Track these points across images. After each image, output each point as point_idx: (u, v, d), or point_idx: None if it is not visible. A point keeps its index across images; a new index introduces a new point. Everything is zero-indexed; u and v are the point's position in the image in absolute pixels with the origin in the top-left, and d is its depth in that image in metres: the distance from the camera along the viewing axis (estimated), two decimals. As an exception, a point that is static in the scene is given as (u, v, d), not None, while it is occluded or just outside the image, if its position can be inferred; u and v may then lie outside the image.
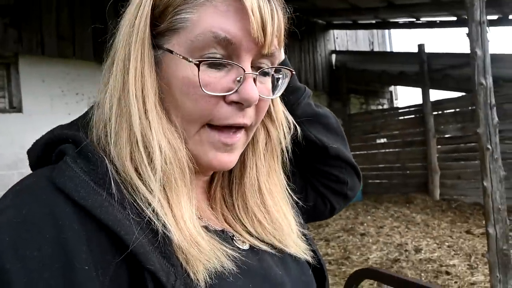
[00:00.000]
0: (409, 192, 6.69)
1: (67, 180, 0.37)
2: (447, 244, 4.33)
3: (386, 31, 9.69)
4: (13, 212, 0.36)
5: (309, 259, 0.56)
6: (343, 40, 8.77)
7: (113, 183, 0.39)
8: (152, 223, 0.39)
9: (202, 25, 0.43)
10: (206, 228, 0.46)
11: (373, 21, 7.56)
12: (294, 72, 0.52)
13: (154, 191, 0.41)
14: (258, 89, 0.46)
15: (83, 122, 0.46)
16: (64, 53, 4.17)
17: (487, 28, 2.77)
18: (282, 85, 0.52)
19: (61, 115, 4.09)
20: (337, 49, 8.48)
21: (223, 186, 0.56)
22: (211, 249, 0.42)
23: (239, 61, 0.44)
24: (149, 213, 0.39)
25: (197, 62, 0.43)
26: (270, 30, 0.44)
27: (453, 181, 6.34)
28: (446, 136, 6.48)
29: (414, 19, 6.87)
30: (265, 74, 0.49)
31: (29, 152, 0.47)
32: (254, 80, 0.45)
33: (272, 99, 0.54)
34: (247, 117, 0.47)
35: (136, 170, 0.42)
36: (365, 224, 5.20)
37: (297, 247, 0.54)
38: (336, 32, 8.44)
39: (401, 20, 7.17)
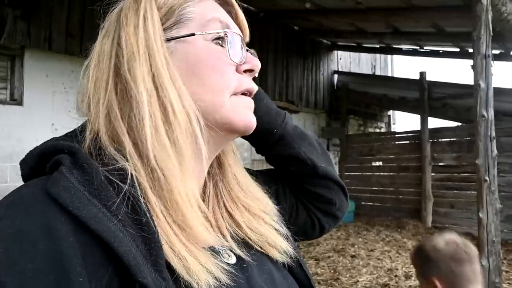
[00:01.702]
0: (402, 217, 6.68)
1: (62, 190, 0.37)
2: (437, 272, 4.31)
3: (389, 56, 9.85)
4: (6, 223, 0.35)
5: (287, 260, 0.56)
6: (346, 61, 8.90)
7: (108, 194, 0.39)
8: (146, 234, 0.39)
9: (207, 14, 0.51)
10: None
11: (377, 46, 7.69)
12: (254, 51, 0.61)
13: (148, 191, 0.42)
14: None
15: (81, 133, 0.46)
16: (71, 50, 4.17)
17: (491, 61, 2.83)
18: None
19: (61, 112, 4.07)
20: (340, 69, 8.59)
21: (216, 181, 0.57)
22: (206, 262, 0.42)
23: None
24: (144, 221, 0.39)
25: (227, 31, 0.51)
26: (246, 22, 0.58)
27: (446, 210, 6.36)
28: (441, 164, 6.53)
29: (417, 47, 7.00)
30: None
31: (22, 163, 0.46)
32: None
33: None
34: (254, 84, 0.55)
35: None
36: (356, 246, 5.17)
37: (278, 243, 0.56)
38: (340, 53, 8.57)
39: (405, 47, 7.30)
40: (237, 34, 0.53)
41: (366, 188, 7.53)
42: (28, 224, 0.35)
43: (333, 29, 6.84)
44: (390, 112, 9.64)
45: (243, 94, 0.53)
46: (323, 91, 8.16)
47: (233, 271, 0.46)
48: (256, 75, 0.56)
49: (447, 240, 1.25)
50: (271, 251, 0.55)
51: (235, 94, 0.51)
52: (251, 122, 0.52)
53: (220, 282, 0.42)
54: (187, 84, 0.48)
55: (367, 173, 7.60)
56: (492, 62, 2.83)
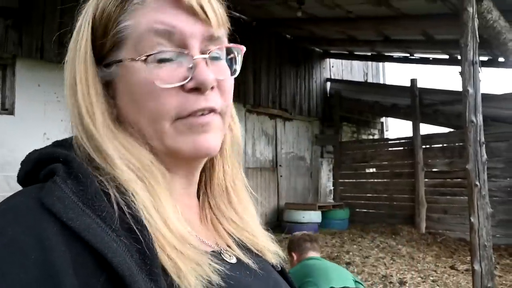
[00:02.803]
0: (396, 223, 6.70)
1: (56, 200, 0.37)
2: (431, 278, 4.31)
3: (380, 63, 9.97)
4: None
5: (280, 261, 0.58)
6: (338, 69, 8.99)
7: (102, 204, 0.39)
8: (140, 242, 0.38)
9: (142, 25, 0.45)
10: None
11: (369, 53, 7.78)
12: (244, 48, 0.51)
13: (139, 195, 0.42)
14: (214, 71, 0.47)
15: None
16: (63, 60, 4.17)
17: (479, 68, 2.87)
18: (238, 64, 0.52)
19: (53, 121, 4.05)
20: (332, 77, 8.67)
21: (205, 193, 0.57)
22: (198, 262, 0.42)
23: (188, 50, 0.46)
24: (138, 229, 0.39)
25: (144, 58, 0.44)
26: (212, 14, 0.46)
27: (439, 215, 6.39)
28: (434, 170, 6.58)
29: (408, 55, 7.10)
30: (216, 58, 0.49)
31: (22, 163, 0.46)
32: (206, 63, 0.46)
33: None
34: (211, 101, 0.47)
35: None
36: (350, 253, 5.16)
37: (267, 246, 0.56)
38: (332, 60, 8.66)
39: (396, 55, 7.40)
40: (171, 50, 0.45)
41: (360, 195, 7.56)
42: (20, 234, 0.35)
43: (324, 37, 6.92)
44: (383, 119, 9.73)
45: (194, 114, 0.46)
46: (316, 98, 8.22)
47: (228, 272, 0.45)
48: (212, 89, 0.47)
49: (303, 232, 2.48)
50: (266, 254, 0.56)
51: (180, 118, 0.46)
52: (201, 145, 0.47)
53: (212, 284, 0.42)
54: (132, 112, 0.47)
55: (361, 180, 7.63)
56: (479, 68, 2.88)
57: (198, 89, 0.45)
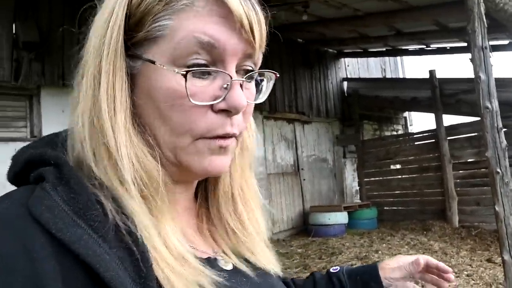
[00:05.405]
0: (427, 219, 6.50)
1: (45, 210, 0.35)
2: (466, 273, 4.16)
3: (398, 58, 9.79)
4: None
5: (279, 272, 0.56)
6: (354, 67, 8.90)
7: (94, 213, 0.36)
8: (135, 254, 0.37)
9: (184, 30, 0.41)
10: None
11: (383, 49, 7.68)
12: (277, 75, 0.50)
13: (137, 211, 0.39)
14: (244, 94, 0.44)
15: (65, 138, 0.44)
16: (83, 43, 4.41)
17: (490, 53, 2.80)
18: (267, 89, 0.50)
19: (79, 143, 4.27)
20: (349, 76, 8.60)
21: (203, 198, 0.55)
22: (195, 275, 0.41)
23: (224, 66, 0.43)
24: (133, 240, 0.37)
25: (184, 73, 0.41)
26: (258, 34, 0.43)
27: (471, 208, 6.15)
28: (462, 161, 6.36)
29: (424, 46, 6.96)
30: (250, 78, 0.47)
31: (12, 160, 0.44)
32: (241, 86, 0.44)
33: None
34: (236, 125, 0.45)
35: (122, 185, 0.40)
36: (380, 252, 5.06)
37: (267, 259, 0.55)
38: (347, 60, 8.59)
39: (412, 47, 7.27)
40: (210, 69, 0.42)
41: (388, 192, 7.40)
42: (7, 245, 0.33)
43: (336, 38, 6.91)
44: (406, 114, 9.52)
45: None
46: (334, 99, 8.17)
47: (225, 282, 0.43)
48: (242, 115, 0.45)
49: None
50: (265, 264, 0.54)
51: (203, 138, 0.44)
52: (215, 167, 0.45)
53: None
54: (150, 115, 0.43)
55: (387, 177, 7.47)
56: (490, 53, 2.81)
57: (227, 111, 0.43)
